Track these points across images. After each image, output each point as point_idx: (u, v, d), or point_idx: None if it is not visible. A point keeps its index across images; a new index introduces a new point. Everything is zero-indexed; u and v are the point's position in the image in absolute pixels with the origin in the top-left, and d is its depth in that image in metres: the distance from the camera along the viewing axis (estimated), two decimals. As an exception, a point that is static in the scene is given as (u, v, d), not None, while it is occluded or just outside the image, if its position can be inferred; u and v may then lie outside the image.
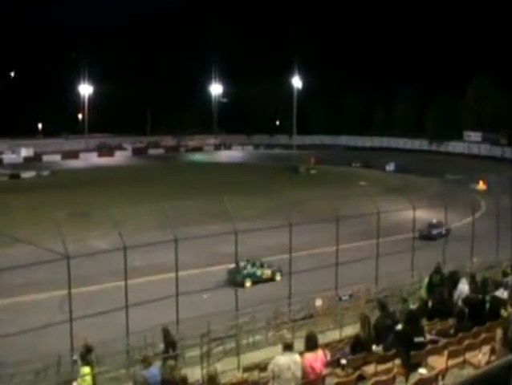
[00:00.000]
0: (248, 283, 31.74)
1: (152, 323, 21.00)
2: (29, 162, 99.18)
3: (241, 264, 30.82)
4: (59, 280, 21.81)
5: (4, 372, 18.49)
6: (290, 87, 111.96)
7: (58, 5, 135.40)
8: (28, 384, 16.31)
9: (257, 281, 32.21)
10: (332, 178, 73.44)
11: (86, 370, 15.11)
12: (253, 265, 32.71)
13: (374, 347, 12.82)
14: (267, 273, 32.73)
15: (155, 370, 13.46)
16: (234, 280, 30.39)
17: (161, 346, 17.34)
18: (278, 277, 31.75)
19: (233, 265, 28.97)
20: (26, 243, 23.73)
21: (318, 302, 25.42)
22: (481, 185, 65.00)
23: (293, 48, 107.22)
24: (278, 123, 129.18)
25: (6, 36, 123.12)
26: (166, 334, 17.61)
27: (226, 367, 17.45)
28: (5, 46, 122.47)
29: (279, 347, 11.02)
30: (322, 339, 16.11)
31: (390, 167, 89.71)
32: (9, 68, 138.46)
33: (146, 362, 13.57)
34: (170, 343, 17.34)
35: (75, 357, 16.51)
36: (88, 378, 15.09)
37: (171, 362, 14.32)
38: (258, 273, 32.71)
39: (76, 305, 20.69)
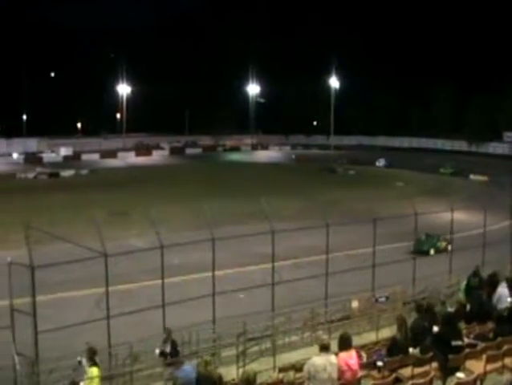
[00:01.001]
0: (432, 252, 38.76)
1: (189, 322, 21.16)
2: (68, 161, 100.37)
3: (422, 237, 38.10)
4: (97, 278, 22.05)
5: (43, 367, 18.78)
6: (327, 87, 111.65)
7: (97, 6, 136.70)
8: (66, 379, 16.51)
9: (437, 251, 38.72)
10: (369, 179, 73.06)
11: (94, 370, 14.86)
12: (434, 238, 39.59)
13: (411, 350, 12.75)
14: (444, 244, 38.36)
15: (189, 369, 13.45)
16: (421, 249, 37.08)
17: (167, 347, 17.27)
18: (449, 248, 34.11)
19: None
20: (64, 241, 23.94)
21: (355, 304, 25.29)
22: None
23: (330, 48, 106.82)
24: (315, 123, 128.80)
25: (45, 37, 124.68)
26: (169, 334, 17.60)
27: (262, 367, 17.47)
28: (45, 48, 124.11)
29: (315, 348, 11.01)
30: (358, 341, 16.10)
31: (380, 163, 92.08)
32: (49, 69, 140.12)
33: (178, 362, 13.55)
34: (173, 343, 17.33)
35: (79, 358, 16.52)
36: (97, 380, 14.92)
37: (206, 358, 14.37)
38: (438, 244, 39.34)
39: (113, 303, 20.89)
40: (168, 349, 17.23)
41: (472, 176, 76.93)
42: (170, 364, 16.92)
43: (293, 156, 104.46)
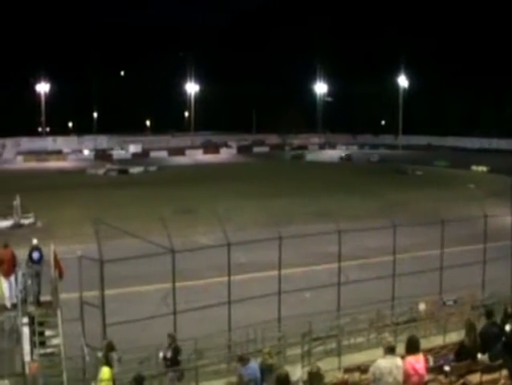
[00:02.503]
0: None
1: (254, 320, 21.21)
2: (137, 158, 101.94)
3: None
4: (164, 273, 22.31)
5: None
6: (396, 86, 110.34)
7: (167, 6, 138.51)
8: (132, 372, 16.75)
9: None
10: (439, 180, 71.82)
11: (105, 371, 14.67)
12: None
13: (479, 356, 12.48)
14: None
15: (254, 366, 13.45)
16: None
17: (168, 352, 17.22)
18: None
19: None
20: (132, 236, 24.34)
21: (422, 306, 24.89)
22: None
23: (399, 46, 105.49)
24: (383, 122, 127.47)
25: (116, 37, 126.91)
26: (172, 340, 17.53)
27: (327, 367, 17.35)
28: (115, 47, 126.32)
29: (381, 350, 10.89)
30: (425, 344, 15.83)
31: (374, 158, 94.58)
32: (119, 67, 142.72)
33: (244, 360, 13.53)
34: (177, 350, 17.24)
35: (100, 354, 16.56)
36: (108, 382, 14.63)
37: (267, 349, 14.36)
38: None
39: (180, 299, 21.16)
40: (169, 354, 17.16)
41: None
42: (173, 370, 16.97)
43: (374, 158, 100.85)
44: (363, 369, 14.25)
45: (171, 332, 18.30)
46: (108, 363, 15.07)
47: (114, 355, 16.43)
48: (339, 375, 16.04)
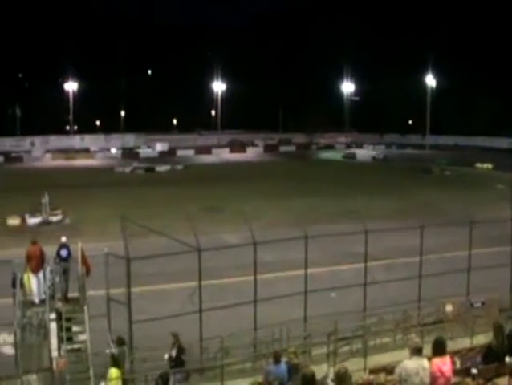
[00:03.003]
0: None
1: (280, 319, 21.20)
2: (163, 156, 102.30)
3: None
4: (190, 271, 22.39)
5: (137, 356, 19.26)
6: (423, 85, 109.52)
7: (194, 5, 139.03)
8: (159, 369, 16.88)
9: None
10: (467, 180, 71.22)
11: (113, 372, 15.00)
12: None
13: (507, 359, 12.34)
14: None
15: (282, 365, 13.49)
16: None
17: (173, 352, 17.16)
18: None
19: None
20: (159, 234, 24.44)
21: (449, 307, 24.70)
22: None
23: (426, 45, 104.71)
24: (410, 122, 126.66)
25: (143, 36, 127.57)
26: (175, 338, 17.46)
27: (352, 368, 17.25)
28: (143, 46, 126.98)
29: (407, 351, 10.81)
30: (451, 346, 15.70)
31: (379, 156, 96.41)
32: (146, 66, 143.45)
33: (278, 358, 13.55)
34: (181, 349, 17.15)
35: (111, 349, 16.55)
36: (116, 382, 14.96)
37: (292, 349, 14.35)
38: None
39: (206, 297, 21.24)
40: (173, 354, 17.14)
41: None
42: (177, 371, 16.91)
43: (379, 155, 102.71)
44: (389, 370, 14.17)
45: (174, 331, 18.32)
46: (116, 364, 15.16)
47: (125, 349, 16.57)
48: (365, 376, 15.97)
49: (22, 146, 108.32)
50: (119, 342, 17.00)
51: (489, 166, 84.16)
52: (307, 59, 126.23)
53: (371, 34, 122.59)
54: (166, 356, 17.63)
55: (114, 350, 16.41)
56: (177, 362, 16.97)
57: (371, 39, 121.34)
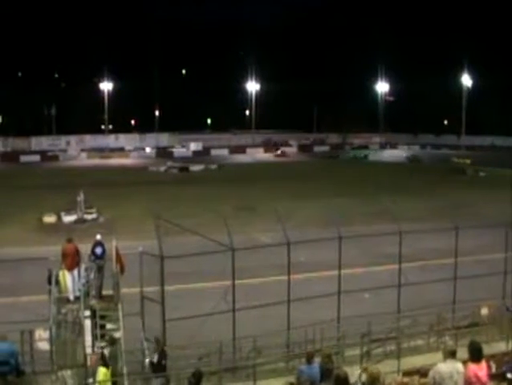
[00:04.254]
0: None
1: (313, 319, 21.14)
2: (198, 156, 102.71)
3: None
4: (223, 271, 22.47)
5: (170, 354, 19.35)
6: (459, 85, 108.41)
7: (227, 4, 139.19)
8: (191, 368, 16.94)
9: None
10: (502, 181, 70.23)
11: (101, 371, 14.95)
12: None
13: (544, 363, 12.17)
14: None
15: (314, 365, 13.46)
16: None
17: (155, 357, 17.03)
18: None
19: None
20: (192, 233, 24.53)
21: (484, 311, 24.37)
22: None
23: (463, 45, 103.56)
24: (445, 122, 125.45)
25: (178, 35, 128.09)
26: (158, 343, 17.32)
27: (386, 370, 17.18)
28: (177, 45, 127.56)
29: (441, 354, 10.71)
30: (486, 350, 15.47)
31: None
32: (180, 66, 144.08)
33: (311, 358, 13.53)
34: (163, 354, 17.01)
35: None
36: (103, 381, 14.93)
37: (326, 351, 14.30)
38: None
39: (239, 296, 21.27)
40: (155, 359, 16.98)
41: None
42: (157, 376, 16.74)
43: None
44: (422, 372, 14.08)
45: (157, 336, 18.23)
46: (106, 364, 15.18)
47: (119, 348, 16.59)
48: (399, 378, 15.88)
49: (58, 145, 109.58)
50: (111, 341, 16.93)
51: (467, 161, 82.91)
52: (342, 59, 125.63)
53: (406, 33, 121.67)
54: (147, 360, 17.52)
55: (105, 350, 16.39)
56: (159, 367, 16.80)
57: (406, 38, 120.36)
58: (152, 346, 18.10)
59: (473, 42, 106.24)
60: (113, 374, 15.56)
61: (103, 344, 17.26)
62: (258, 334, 19.82)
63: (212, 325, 20.33)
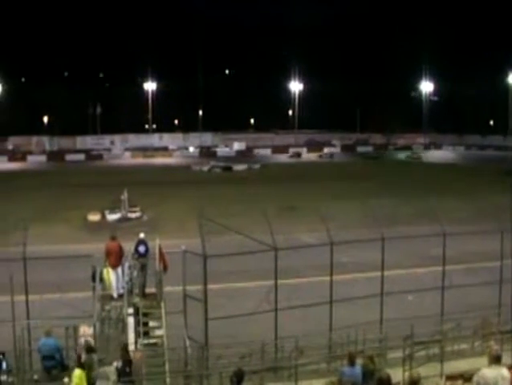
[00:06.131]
0: None
1: (355, 321, 21.00)
2: (241, 155, 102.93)
3: None
4: (265, 270, 22.48)
5: (212, 353, 19.44)
6: (505, 84, 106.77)
7: (270, 5, 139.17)
8: (233, 367, 16.98)
9: None
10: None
11: (76, 373, 14.91)
12: None
13: None
14: None
15: (356, 367, 13.38)
16: None
17: (119, 363, 16.81)
18: None
19: None
20: (235, 232, 24.59)
21: (530, 315, 23.94)
22: None
23: (510, 44, 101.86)
24: (491, 123, 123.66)
25: (221, 36, 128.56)
26: (123, 350, 17.12)
27: (429, 373, 17.00)
28: (220, 46, 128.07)
29: (486, 358, 10.53)
30: (533, 355, 15.26)
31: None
32: (224, 66, 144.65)
33: (353, 360, 13.46)
34: (127, 361, 16.82)
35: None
36: (78, 381, 14.85)
37: (369, 354, 14.18)
38: None
39: (281, 296, 21.24)
40: (119, 365, 16.68)
41: None
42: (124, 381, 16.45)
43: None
44: (466, 377, 13.87)
45: (124, 342, 18.06)
46: (81, 365, 15.21)
47: (94, 357, 16.55)
48: (442, 382, 15.69)
49: (103, 144, 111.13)
50: (88, 349, 16.83)
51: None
52: (386, 58, 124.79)
53: (450, 33, 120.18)
54: (114, 365, 17.42)
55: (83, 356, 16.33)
56: (123, 373, 16.67)
57: (450, 38, 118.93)
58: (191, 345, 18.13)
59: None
60: (88, 381, 15.54)
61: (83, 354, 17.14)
62: (300, 334, 19.74)
63: (254, 324, 20.36)
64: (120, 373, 16.53)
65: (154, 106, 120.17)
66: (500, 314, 23.76)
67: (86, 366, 15.60)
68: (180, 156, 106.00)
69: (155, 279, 20.23)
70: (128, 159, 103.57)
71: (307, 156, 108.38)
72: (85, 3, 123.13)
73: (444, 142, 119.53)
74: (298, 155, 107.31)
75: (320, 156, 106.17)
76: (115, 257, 20.38)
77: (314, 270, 28.73)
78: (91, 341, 17.53)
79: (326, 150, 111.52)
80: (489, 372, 9.81)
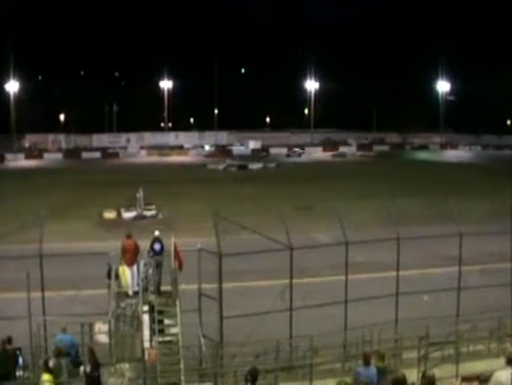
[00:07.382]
0: None
1: (371, 320, 20.94)
2: (256, 154, 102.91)
3: None
4: (281, 269, 22.50)
5: (227, 351, 19.46)
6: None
7: (285, 4, 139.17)
8: (248, 365, 17.01)
9: None
10: None
11: (45, 377, 14.83)
12: None
13: None
14: None
15: (371, 367, 13.35)
16: None
17: (87, 367, 16.68)
18: None
19: None
20: (251, 231, 24.59)
21: (547, 317, 23.75)
22: None
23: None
24: (508, 122, 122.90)
25: (236, 34, 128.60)
26: (90, 354, 16.93)
27: (444, 374, 16.93)
28: (236, 45, 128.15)
29: (502, 360, 10.49)
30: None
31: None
32: (240, 64, 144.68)
33: (368, 360, 13.42)
34: (95, 363, 16.62)
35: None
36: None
37: (381, 352, 14.12)
38: None
39: (296, 296, 21.26)
40: (88, 369, 16.51)
41: None
42: None
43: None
44: (482, 379, 13.81)
45: (91, 345, 17.97)
46: (48, 369, 15.18)
47: (62, 362, 16.52)
48: (457, 383, 15.63)
49: (119, 142, 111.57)
50: (56, 353, 16.73)
51: None
52: (402, 58, 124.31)
53: (467, 32, 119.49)
54: (81, 369, 17.32)
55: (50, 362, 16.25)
56: (91, 377, 16.56)
57: (467, 38, 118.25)
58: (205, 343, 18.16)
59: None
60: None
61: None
62: (315, 333, 19.72)
63: (269, 323, 20.34)
64: (88, 378, 16.29)
65: (170, 104, 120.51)
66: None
67: (55, 371, 15.59)
68: (196, 155, 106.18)
69: (170, 277, 20.28)
70: (143, 157, 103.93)
71: (321, 154, 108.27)
72: (102, 2, 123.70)
73: (461, 142, 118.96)
74: (299, 155, 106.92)
75: (333, 156, 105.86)
76: (130, 255, 20.46)
77: (329, 269, 28.73)
78: (61, 345, 17.54)
79: (340, 149, 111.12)
80: (504, 374, 9.81)
